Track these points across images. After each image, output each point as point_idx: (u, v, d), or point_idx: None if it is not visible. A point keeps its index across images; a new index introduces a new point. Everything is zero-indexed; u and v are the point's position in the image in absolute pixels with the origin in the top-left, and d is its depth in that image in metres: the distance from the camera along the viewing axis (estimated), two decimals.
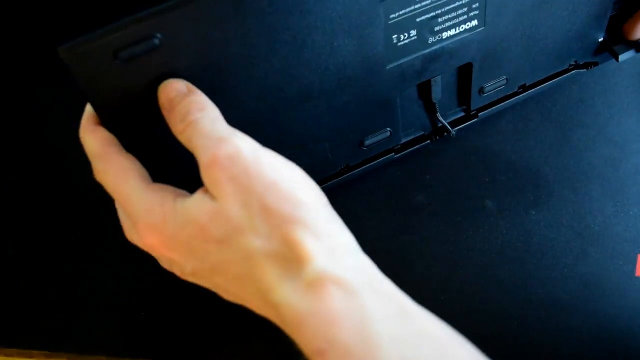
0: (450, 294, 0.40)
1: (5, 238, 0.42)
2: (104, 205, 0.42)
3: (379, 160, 0.38)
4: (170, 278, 0.41)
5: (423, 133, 0.40)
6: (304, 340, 0.23)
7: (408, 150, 0.39)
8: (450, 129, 0.39)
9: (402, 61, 0.33)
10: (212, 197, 0.24)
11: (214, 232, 0.24)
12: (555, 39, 0.37)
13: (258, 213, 0.23)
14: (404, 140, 0.39)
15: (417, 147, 0.40)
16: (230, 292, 0.27)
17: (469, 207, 0.41)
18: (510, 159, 0.42)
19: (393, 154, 0.39)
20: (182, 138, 0.26)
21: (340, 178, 0.38)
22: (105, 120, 0.27)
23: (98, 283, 0.41)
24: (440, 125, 0.39)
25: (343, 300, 0.22)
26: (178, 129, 0.26)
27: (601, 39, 0.39)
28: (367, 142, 0.37)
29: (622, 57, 0.39)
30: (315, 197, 0.25)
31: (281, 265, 0.23)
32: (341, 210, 0.42)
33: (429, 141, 0.40)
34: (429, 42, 0.33)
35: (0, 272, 0.41)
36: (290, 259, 0.23)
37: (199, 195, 0.25)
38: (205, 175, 0.24)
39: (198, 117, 0.25)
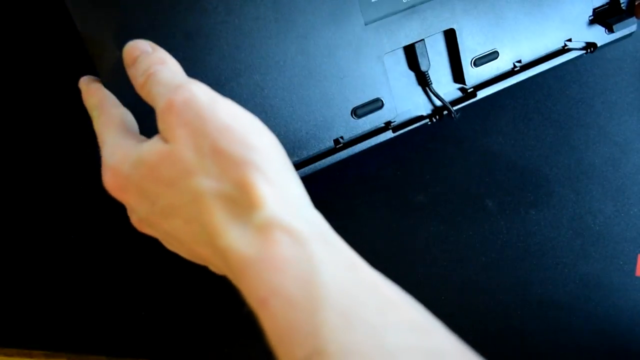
0: (450, 293, 0.40)
1: (5, 238, 0.42)
2: (104, 205, 0.42)
3: (375, 137, 0.37)
4: (170, 278, 0.41)
5: (422, 114, 0.39)
6: (247, 287, 0.22)
7: (405, 129, 0.38)
8: (449, 106, 0.38)
9: (378, 19, 0.34)
10: (165, 140, 0.24)
11: (163, 173, 0.24)
12: (542, 5, 0.37)
13: (209, 154, 0.23)
14: (400, 118, 0.38)
15: (414, 125, 0.38)
16: (181, 240, 0.26)
17: (469, 207, 0.41)
18: (510, 159, 0.42)
19: (390, 130, 0.38)
20: (143, 92, 0.26)
21: (337, 155, 0.37)
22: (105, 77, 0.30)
23: (98, 283, 0.41)
24: (436, 102, 0.39)
25: (291, 247, 0.21)
26: (139, 82, 0.26)
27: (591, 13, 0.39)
28: (359, 112, 0.36)
29: (616, 28, 0.39)
30: (270, 144, 0.24)
31: (230, 207, 0.23)
32: (341, 210, 0.42)
33: (427, 121, 0.39)
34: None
35: (1, 272, 0.41)
36: (241, 201, 0.22)
37: (153, 139, 0.25)
38: (160, 120, 0.24)
39: (158, 69, 0.26)
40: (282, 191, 0.23)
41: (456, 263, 0.40)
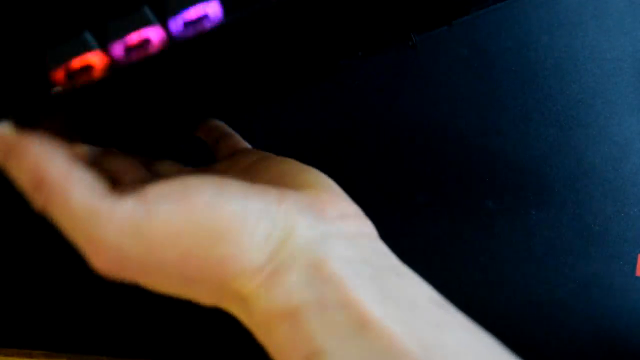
0: (450, 294, 0.40)
1: (6, 238, 0.42)
2: None
3: None
4: None
5: None
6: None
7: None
8: None
9: None
10: None
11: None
12: None
13: (184, 284, 0.22)
14: None
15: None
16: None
17: (469, 207, 0.41)
18: (510, 159, 0.42)
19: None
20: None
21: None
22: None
23: (98, 283, 0.41)
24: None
25: (289, 332, 0.20)
26: (36, 206, 0.23)
27: None
28: None
29: None
30: (232, 229, 0.20)
31: (234, 307, 0.23)
32: None
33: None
34: None
35: (1, 272, 0.41)
36: (238, 303, 0.22)
37: None
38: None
39: (42, 201, 0.22)
40: (271, 267, 0.20)
41: (456, 263, 0.40)
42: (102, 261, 0.22)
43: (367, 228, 0.24)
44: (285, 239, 0.20)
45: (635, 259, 0.41)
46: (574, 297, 0.40)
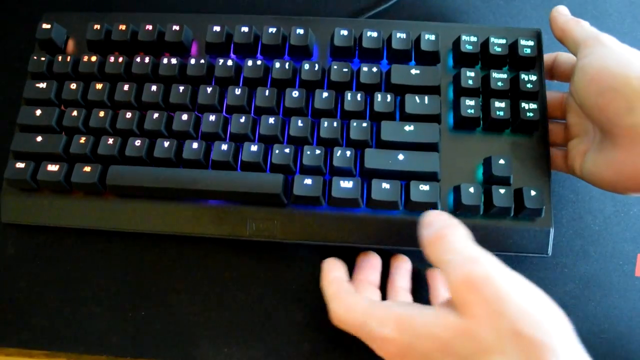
0: None
1: (5, 237, 0.42)
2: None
3: None
4: (170, 278, 0.41)
5: None
6: None
7: None
8: None
9: None
10: (460, 314, 0.25)
11: (458, 349, 0.25)
12: None
13: (508, 335, 0.24)
14: None
15: None
16: None
17: None
18: None
19: None
20: (429, 250, 0.28)
21: None
22: None
23: (98, 283, 0.41)
24: None
25: None
26: (427, 239, 0.29)
27: None
28: None
29: None
30: (562, 326, 0.25)
31: None
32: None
33: None
34: None
35: (0, 272, 0.41)
36: None
37: (445, 311, 0.26)
38: (455, 291, 0.26)
39: (449, 232, 0.28)
40: None
41: None
42: (472, 273, 0.26)
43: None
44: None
45: (635, 259, 0.41)
46: (574, 297, 0.40)
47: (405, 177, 0.37)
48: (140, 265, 0.41)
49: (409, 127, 0.38)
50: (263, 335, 0.39)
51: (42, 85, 0.41)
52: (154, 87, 0.40)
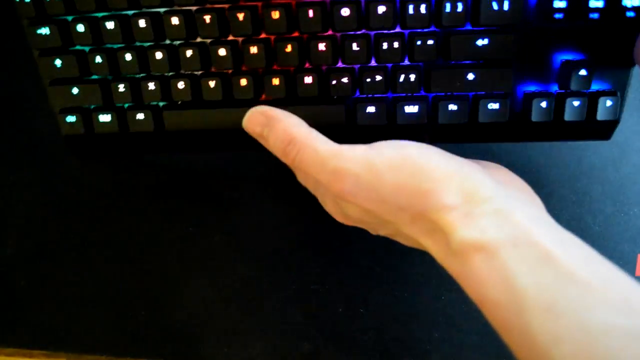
0: (450, 293, 0.40)
1: (5, 237, 0.42)
2: (104, 204, 0.42)
3: None
4: (169, 279, 0.41)
5: None
6: (466, 292, 0.26)
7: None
8: None
9: None
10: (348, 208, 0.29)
11: (369, 220, 0.29)
12: None
13: (397, 212, 0.27)
14: None
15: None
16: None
17: None
18: (510, 159, 0.42)
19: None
20: (293, 165, 0.29)
21: None
22: None
23: (98, 283, 0.41)
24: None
25: (484, 263, 0.24)
26: (286, 162, 0.29)
27: None
28: None
29: None
30: (438, 177, 0.27)
31: (432, 237, 0.27)
32: None
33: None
34: None
35: (0, 272, 0.41)
36: (438, 232, 0.27)
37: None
38: (335, 199, 0.29)
39: (295, 152, 0.28)
40: (464, 209, 0.26)
41: None
42: (345, 189, 0.27)
43: (539, 202, 0.30)
44: (474, 192, 0.26)
45: (635, 259, 0.41)
46: None
47: (474, 97, 0.34)
48: (140, 266, 0.41)
49: (482, 41, 0.33)
50: (263, 335, 0.39)
51: (45, 30, 0.35)
52: (175, 20, 0.34)
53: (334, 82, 0.34)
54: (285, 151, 0.29)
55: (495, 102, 0.33)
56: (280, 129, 0.29)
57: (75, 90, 0.36)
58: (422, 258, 0.41)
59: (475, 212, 0.26)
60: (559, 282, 0.23)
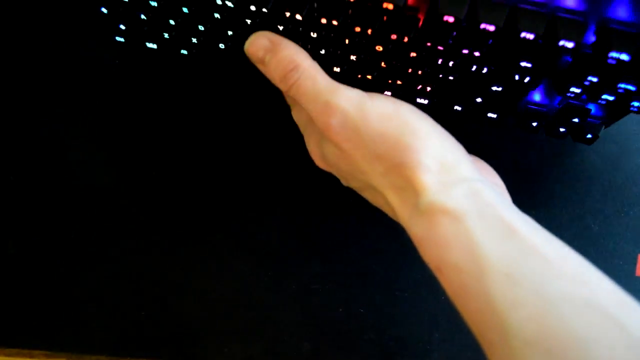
0: None
1: (5, 237, 0.42)
2: (104, 204, 0.42)
3: None
4: (169, 278, 0.41)
5: None
6: (424, 256, 0.27)
7: None
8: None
9: None
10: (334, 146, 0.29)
11: (343, 167, 0.30)
12: None
13: (373, 159, 0.28)
14: None
15: None
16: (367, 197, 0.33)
17: None
18: (510, 159, 0.42)
19: None
20: (288, 94, 0.30)
21: None
22: None
23: (98, 283, 0.41)
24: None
25: (450, 226, 0.25)
26: (281, 88, 0.29)
27: None
28: None
29: None
30: (423, 136, 0.27)
31: (401, 195, 0.28)
32: (341, 210, 0.42)
33: None
34: None
35: (0, 272, 0.41)
36: (408, 190, 0.27)
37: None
38: (322, 135, 0.30)
39: (295, 79, 0.29)
40: (440, 176, 0.27)
41: None
42: (331, 123, 0.28)
43: (507, 196, 0.32)
44: (452, 166, 0.27)
45: (635, 259, 0.41)
46: None
47: None
48: (140, 266, 0.41)
49: None
50: (263, 335, 0.39)
51: None
52: None
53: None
54: (286, 77, 0.29)
55: None
56: (286, 55, 0.29)
57: None
58: (421, 259, 0.41)
59: (448, 182, 0.26)
60: (520, 253, 0.24)
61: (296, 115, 0.33)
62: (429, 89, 0.34)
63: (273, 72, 0.29)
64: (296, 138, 0.35)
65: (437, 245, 0.25)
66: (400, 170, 0.27)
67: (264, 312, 0.39)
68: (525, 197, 0.41)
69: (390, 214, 0.31)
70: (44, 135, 0.42)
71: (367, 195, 0.32)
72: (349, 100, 0.28)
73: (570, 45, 0.26)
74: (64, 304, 0.40)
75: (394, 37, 0.29)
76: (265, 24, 0.31)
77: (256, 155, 0.41)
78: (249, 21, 0.31)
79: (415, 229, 0.27)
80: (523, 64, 0.29)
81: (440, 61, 0.31)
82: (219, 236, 0.41)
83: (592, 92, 0.30)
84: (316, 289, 0.40)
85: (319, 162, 0.32)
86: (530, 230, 0.25)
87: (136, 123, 0.42)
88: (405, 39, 0.30)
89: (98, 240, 0.42)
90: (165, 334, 0.39)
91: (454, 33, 0.28)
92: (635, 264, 0.40)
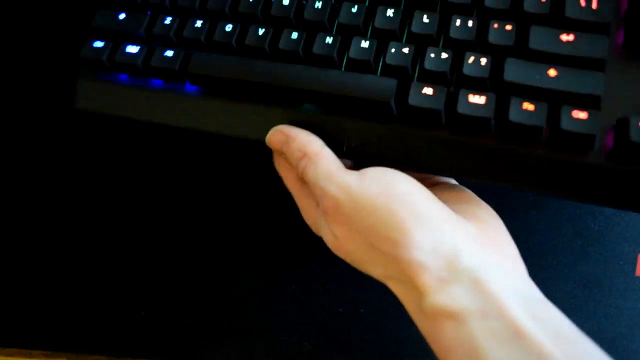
0: None
1: (5, 238, 0.42)
2: (104, 204, 0.42)
3: None
4: (169, 278, 0.41)
5: None
6: (432, 348, 0.26)
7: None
8: None
9: None
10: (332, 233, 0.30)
11: (342, 255, 0.30)
12: None
13: (369, 248, 0.28)
14: None
15: None
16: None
17: None
18: None
19: None
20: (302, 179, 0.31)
21: None
22: None
23: (98, 283, 0.41)
24: None
25: (454, 330, 0.24)
26: (297, 171, 0.31)
27: None
28: None
29: None
30: (416, 226, 0.26)
31: (404, 289, 0.27)
32: None
33: None
34: None
35: (0, 272, 0.41)
36: (409, 286, 0.27)
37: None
38: (324, 217, 0.30)
39: (303, 166, 0.30)
40: (438, 271, 0.26)
41: None
42: (328, 203, 0.29)
43: (520, 267, 0.28)
44: (452, 258, 0.26)
45: (635, 259, 0.41)
46: (574, 297, 0.40)
47: (554, 100, 0.29)
48: (140, 266, 0.41)
49: (567, 37, 0.29)
50: (263, 335, 0.39)
51: None
52: None
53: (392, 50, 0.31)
54: (297, 165, 0.30)
55: (582, 112, 0.28)
56: (296, 146, 0.30)
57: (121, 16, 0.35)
58: None
59: (449, 278, 0.25)
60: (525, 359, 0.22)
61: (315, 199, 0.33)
62: None
63: (290, 161, 0.31)
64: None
65: (442, 348, 0.25)
66: (399, 265, 0.26)
67: (264, 312, 0.39)
68: (526, 197, 0.41)
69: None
70: (45, 137, 0.42)
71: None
72: (340, 189, 0.28)
73: None
74: (64, 304, 0.40)
75: None
76: None
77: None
78: None
79: (421, 325, 0.26)
80: None
81: None
82: (219, 236, 0.41)
83: None
84: (316, 289, 0.40)
85: (331, 246, 0.31)
86: (537, 331, 0.23)
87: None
88: None
89: (98, 240, 0.42)
90: (165, 334, 0.39)
91: None
92: (635, 264, 0.40)
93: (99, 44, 0.35)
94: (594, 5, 0.29)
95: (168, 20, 0.35)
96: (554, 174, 0.29)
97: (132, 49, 0.35)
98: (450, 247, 0.26)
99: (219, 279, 0.41)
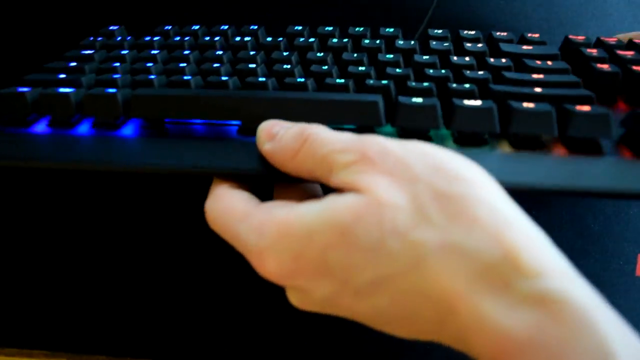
0: None
1: (5, 238, 0.42)
2: (104, 204, 0.42)
3: None
4: (170, 278, 0.41)
5: None
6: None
7: None
8: None
9: None
10: (358, 192, 0.19)
11: (363, 235, 0.19)
12: None
13: (428, 200, 0.18)
14: None
15: None
16: (387, 320, 0.20)
17: None
18: None
19: None
20: (296, 161, 0.22)
21: None
22: None
23: (98, 283, 0.41)
24: None
25: (577, 325, 0.17)
26: (289, 152, 0.22)
27: None
28: None
29: None
30: (477, 174, 0.20)
31: (476, 268, 0.18)
32: None
33: None
34: None
35: (0, 272, 0.41)
36: (493, 261, 0.18)
37: (331, 197, 0.20)
38: (347, 174, 0.20)
39: (313, 132, 0.22)
40: (534, 240, 0.19)
41: None
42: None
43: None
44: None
45: (635, 259, 0.41)
46: None
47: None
48: (140, 266, 0.41)
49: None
50: (263, 335, 0.39)
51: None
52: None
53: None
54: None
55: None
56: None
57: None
58: None
59: (544, 249, 0.22)
60: None
61: None
62: None
63: (285, 137, 0.25)
64: None
65: (555, 355, 0.17)
66: (483, 224, 0.19)
67: (264, 312, 0.39)
68: (525, 197, 0.41)
69: (419, 325, 0.21)
70: None
71: (376, 303, 0.21)
72: (380, 137, 0.23)
73: None
74: (64, 304, 0.40)
75: None
76: None
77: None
78: None
79: (514, 329, 0.17)
80: None
81: None
82: (220, 236, 0.41)
83: None
84: None
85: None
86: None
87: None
88: None
89: (98, 241, 0.42)
90: (165, 334, 0.39)
91: None
92: (635, 264, 0.40)
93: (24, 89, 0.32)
94: None
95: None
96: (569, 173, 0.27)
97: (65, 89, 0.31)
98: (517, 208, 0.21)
99: (219, 279, 0.41)
